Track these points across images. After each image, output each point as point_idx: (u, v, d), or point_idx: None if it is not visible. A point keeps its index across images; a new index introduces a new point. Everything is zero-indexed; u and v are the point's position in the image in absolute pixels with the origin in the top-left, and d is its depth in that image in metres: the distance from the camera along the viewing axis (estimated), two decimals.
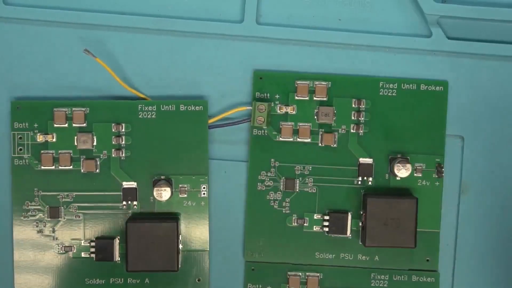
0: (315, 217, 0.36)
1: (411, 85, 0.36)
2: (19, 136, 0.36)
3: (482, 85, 0.37)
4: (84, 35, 0.36)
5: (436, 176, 0.36)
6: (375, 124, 0.36)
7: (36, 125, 0.36)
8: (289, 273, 0.37)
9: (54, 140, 0.36)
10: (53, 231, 0.36)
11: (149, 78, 0.37)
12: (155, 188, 0.35)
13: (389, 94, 0.36)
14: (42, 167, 0.36)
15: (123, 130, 0.36)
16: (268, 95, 0.36)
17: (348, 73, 0.37)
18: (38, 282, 0.36)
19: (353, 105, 0.36)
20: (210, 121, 0.36)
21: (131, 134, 0.36)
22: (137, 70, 0.37)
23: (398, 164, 0.35)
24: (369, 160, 0.36)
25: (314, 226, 0.37)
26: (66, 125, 0.36)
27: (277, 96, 0.36)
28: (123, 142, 0.36)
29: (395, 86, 0.36)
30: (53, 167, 0.36)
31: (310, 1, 0.37)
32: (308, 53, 0.37)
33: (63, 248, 0.36)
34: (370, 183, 0.36)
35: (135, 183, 0.36)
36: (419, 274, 0.37)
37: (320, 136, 0.36)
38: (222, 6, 0.37)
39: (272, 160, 0.36)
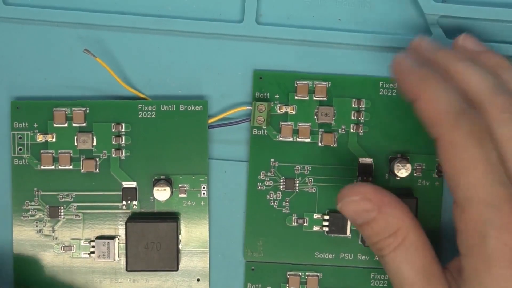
0: (315, 217, 0.36)
1: None
2: (19, 136, 0.36)
3: None
4: (84, 35, 0.36)
5: (436, 176, 0.36)
6: (375, 124, 0.36)
7: (36, 125, 0.36)
8: (289, 273, 0.37)
9: (54, 140, 0.36)
10: (53, 231, 0.36)
11: (149, 78, 0.37)
12: (155, 188, 0.35)
13: (389, 94, 0.36)
14: (42, 167, 0.36)
15: (123, 130, 0.36)
16: (268, 95, 0.36)
17: (348, 73, 0.37)
18: (38, 282, 0.36)
19: (353, 105, 0.36)
20: (210, 121, 0.36)
21: (131, 134, 0.36)
22: (137, 70, 0.37)
23: (398, 164, 0.35)
24: (369, 160, 0.36)
25: (314, 226, 0.37)
26: (66, 125, 0.36)
27: (277, 96, 0.36)
28: (123, 142, 0.36)
29: (395, 86, 0.36)
30: (53, 167, 0.36)
31: (310, 1, 0.37)
32: (308, 53, 0.37)
33: (62, 247, 0.36)
34: (370, 183, 0.36)
35: (135, 183, 0.36)
36: None
37: (320, 136, 0.36)
38: (222, 6, 0.37)
39: (272, 160, 0.36)
